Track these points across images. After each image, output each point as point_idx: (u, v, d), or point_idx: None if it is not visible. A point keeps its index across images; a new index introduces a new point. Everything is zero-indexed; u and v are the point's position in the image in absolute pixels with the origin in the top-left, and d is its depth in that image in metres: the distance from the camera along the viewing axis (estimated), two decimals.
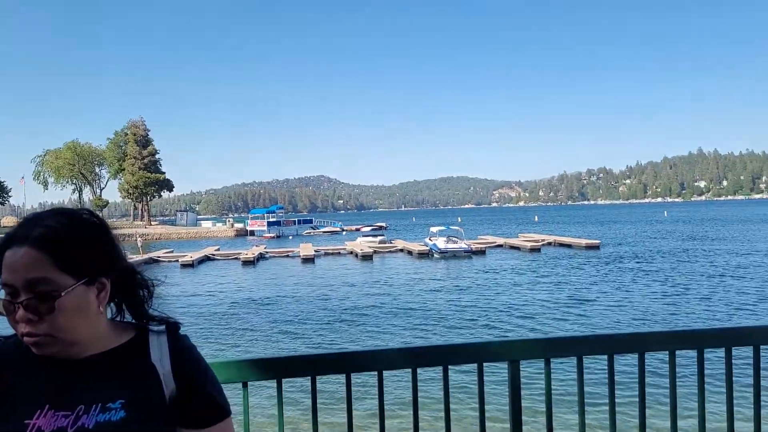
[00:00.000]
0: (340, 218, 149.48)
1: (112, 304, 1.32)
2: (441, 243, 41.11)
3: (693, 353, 2.44)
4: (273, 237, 72.26)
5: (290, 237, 71.50)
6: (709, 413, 2.45)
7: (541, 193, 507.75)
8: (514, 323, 17.68)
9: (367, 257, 40.14)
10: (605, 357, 2.38)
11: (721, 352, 2.46)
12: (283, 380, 2.18)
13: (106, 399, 1.19)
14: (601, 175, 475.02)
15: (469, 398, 8.15)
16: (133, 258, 39.63)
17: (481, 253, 41.68)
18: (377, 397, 2.27)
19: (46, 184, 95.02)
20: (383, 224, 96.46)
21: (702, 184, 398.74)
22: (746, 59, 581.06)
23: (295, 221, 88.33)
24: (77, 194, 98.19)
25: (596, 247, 42.79)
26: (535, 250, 42.44)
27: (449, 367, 2.29)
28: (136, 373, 1.24)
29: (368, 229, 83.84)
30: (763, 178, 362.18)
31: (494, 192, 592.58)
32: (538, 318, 18.26)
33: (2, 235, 1.21)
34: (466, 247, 41.04)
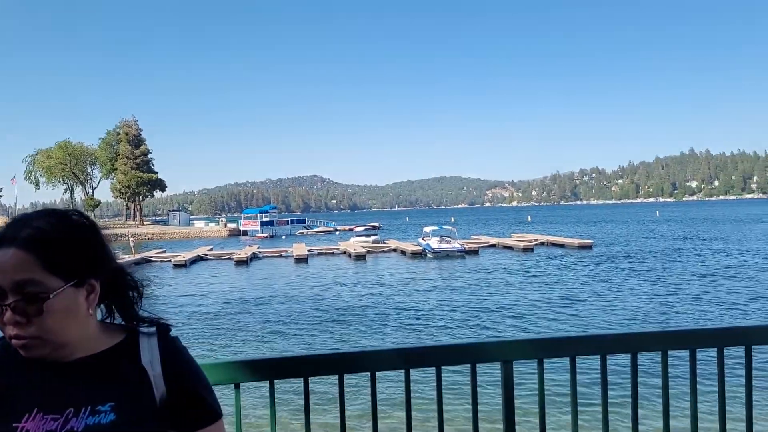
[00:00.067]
0: (334, 218, 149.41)
1: (101, 306, 1.30)
2: (434, 243, 41.15)
3: (685, 353, 2.44)
4: (266, 237, 72.15)
5: (283, 237, 71.40)
6: (702, 413, 2.45)
7: (533, 193, 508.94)
8: (507, 323, 17.71)
9: (360, 257, 40.13)
10: (598, 357, 2.38)
11: (713, 352, 2.46)
12: (276, 381, 2.17)
13: (96, 402, 1.18)
14: (594, 175, 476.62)
15: (462, 399, 8.15)
16: (126, 258, 39.50)
17: (474, 252, 41.75)
18: (370, 397, 2.26)
19: (37, 184, 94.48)
20: (376, 224, 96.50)
21: (694, 184, 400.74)
22: (739, 60, 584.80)
23: (288, 221, 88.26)
24: (69, 194, 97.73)
25: (589, 247, 42.94)
26: (528, 249, 42.54)
27: (442, 367, 2.29)
28: (126, 376, 1.23)
29: (361, 229, 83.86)
30: (755, 178, 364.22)
31: (487, 192, 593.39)
32: (531, 318, 18.29)
33: None
34: (460, 246, 41.09)
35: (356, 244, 47.79)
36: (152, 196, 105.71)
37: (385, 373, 2.29)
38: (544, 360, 2.36)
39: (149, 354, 1.27)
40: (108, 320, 1.33)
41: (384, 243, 49.74)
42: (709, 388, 2.61)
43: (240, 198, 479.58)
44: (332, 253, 45.54)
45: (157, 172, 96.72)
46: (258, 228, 77.02)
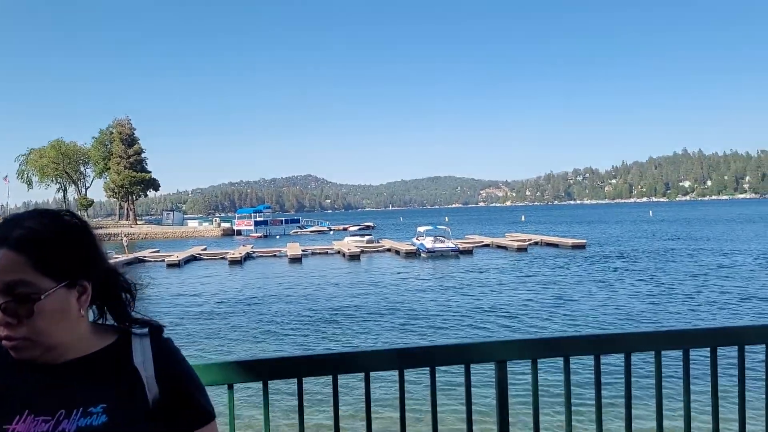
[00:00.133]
0: (328, 218, 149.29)
1: (94, 307, 1.29)
2: (428, 242, 41.18)
3: (678, 353, 2.45)
4: (260, 236, 72.04)
5: (277, 236, 71.29)
6: (695, 413, 2.46)
7: (527, 193, 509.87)
8: (501, 323, 17.74)
9: (354, 257, 40.13)
10: (592, 357, 2.39)
11: (706, 352, 2.47)
12: (269, 382, 2.17)
13: (88, 403, 1.17)
14: (587, 174, 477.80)
15: (456, 399, 8.16)
16: (119, 258, 39.41)
17: (468, 252, 41.80)
18: (364, 398, 2.26)
19: (30, 183, 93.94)
20: (371, 224, 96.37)
21: (687, 184, 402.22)
22: (732, 60, 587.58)
23: (282, 221, 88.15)
24: (62, 193, 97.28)
25: (582, 247, 43.07)
26: (521, 249, 42.64)
27: (436, 367, 2.29)
28: (118, 377, 1.22)
29: (356, 228, 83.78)
30: (747, 179, 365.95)
31: (481, 192, 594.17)
32: (525, 318, 18.33)
33: None
34: (454, 246, 41.15)
35: (350, 243, 47.78)
36: (146, 195, 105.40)
37: (380, 374, 2.28)
38: (538, 360, 2.37)
39: (142, 355, 1.26)
40: (100, 321, 1.32)
41: (378, 243, 49.75)
42: (702, 388, 2.62)
43: (234, 197, 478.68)
44: (326, 252, 45.52)
45: (150, 172, 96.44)
46: (252, 228, 76.91)
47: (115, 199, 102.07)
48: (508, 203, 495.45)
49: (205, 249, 48.52)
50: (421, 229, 45.78)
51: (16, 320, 1.11)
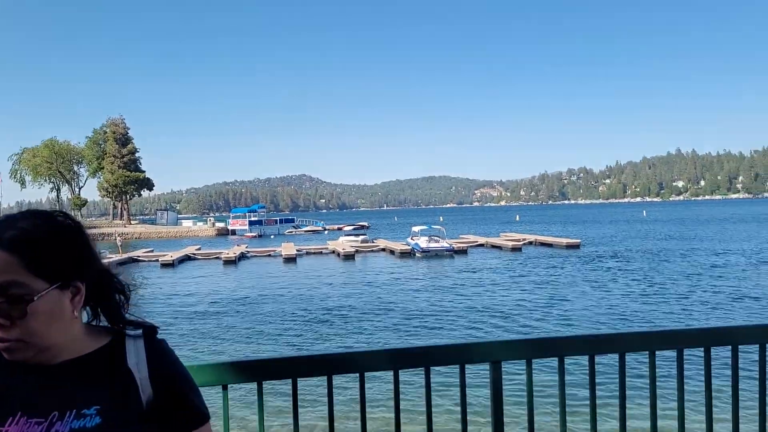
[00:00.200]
0: (322, 217, 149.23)
1: (87, 308, 1.29)
2: (423, 242, 41.21)
3: (673, 353, 2.45)
4: (254, 236, 71.96)
5: (272, 236, 71.22)
6: (689, 412, 2.47)
7: (522, 193, 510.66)
8: (496, 323, 17.77)
9: (349, 257, 40.11)
10: (586, 357, 2.39)
11: (700, 352, 2.48)
12: (264, 382, 2.16)
13: (81, 405, 1.16)
14: (582, 174, 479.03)
15: (451, 399, 8.16)
16: (112, 257, 39.27)
17: (462, 252, 41.85)
18: (359, 398, 2.26)
19: (23, 183, 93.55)
20: (365, 223, 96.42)
21: (680, 184, 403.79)
22: (726, 61, 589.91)
23: (276, 220, 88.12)
24: (55, 193, 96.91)
25: (576, 247, 43.17)
26: (516, 249, 42.70)
27: (431, 368, 2.29)
28: (112, 379, 1.21)
29: (350, 228, 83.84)
30: (740, 179, 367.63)
31: (476, 191, 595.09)
32: (520, 318, 18.36)
33: None
34: (448, 246, 41.18)
35: (345, 243, 47.76)
36: (140, 195, 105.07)
37: (374, 374, 2.28)
38: (533, 360, 2.37)
39: (135, 356, 1.25)
40: (94, 323, 1.31)
41: (373, 242, 49.76)
42: (696, 388, 2.63)
43: (228, 197, 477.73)
44: (321, 252, 45.50)
45: (144, 171, 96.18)
46: (246, 227, 76.83)
47: (108, 199, 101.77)
48: (503, 203, 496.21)
49: (199, 249, 48.40)
50: (415, 228, 45.79)
51: (9, 321, 1.11)
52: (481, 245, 47.57)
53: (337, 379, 2.23)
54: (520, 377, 2.43)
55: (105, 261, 1.32)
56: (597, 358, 2.40)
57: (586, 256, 37.14)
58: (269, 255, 43.97)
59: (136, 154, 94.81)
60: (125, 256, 42.98)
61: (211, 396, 1.67)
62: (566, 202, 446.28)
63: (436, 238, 43.07)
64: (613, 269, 29.75)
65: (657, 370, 2.42)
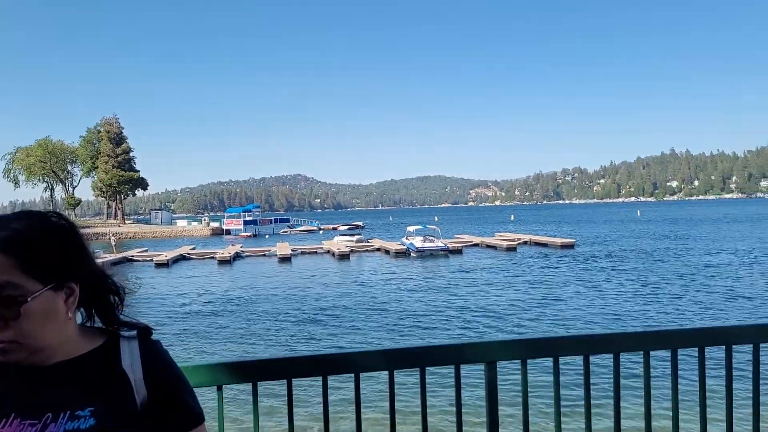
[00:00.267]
0: (317, 217, 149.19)
1: (81, 310, 1.28)
2: (418, 242, 41.21)
3: (667, 353, 2.46)
4: (249, 236, 71.79)
5: (267, 236, 71.07)
6: (683, 412, 2.47)
7: (517, 193, 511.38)
8: (491, 323, 17.78)
9: (344, 256, 40.09)
10: (581, 357, 2.39)
11: (694, 352, 2.49)
12: (259, 383, 2.16)
13: (75, 407, 1.16)
14: (576, 174, 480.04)
15: (446, 400, 8.16)
16: (107, 257, 39.14)
17: (457, 252, 41.87)
18: (354, 399, 2.26)
19: (16, 182, 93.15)
20: (360, 223, 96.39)
21: (674, 183, 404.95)
22: (720, 61, 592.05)
23: (271, 220, 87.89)
24: (49, 192, 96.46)
25: (571, 246, 43.25)
26: (511, 249, 42.75)
27: (426, 368, 2.29)
28: (106, 380, 1.21)
29: (345, 228, 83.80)
30: (734, 179, 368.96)
31: (471, 191, 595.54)
32: (514, 318, 18.38)
33: None
34: (443, 246, 41.19)
35: (340, 243, 47.70)
36: (134, 194, 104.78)
37: (369, 374, 2.28)
38: (528, 360, 2.37)
39: (130, 358, 1.25)
40: (88, 324, 1.31)
41: (368, 242, 49.71)
42: (691, 388, 2.64)
43: (223, 197, 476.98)
44: (316, 252, 45.44)
45: (138, 171, 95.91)
46: (241, 227, 76.65)
47: (103, 199, 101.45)
48: (498, 203, 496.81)
49: (194, 248, 48.28)
50: (410, 228, 45.79)
51: (3, 323, 1.10)
52: (476, 245, 47.60)
53: (331, 379, 2.22)
54: (515, 377, 2.43)
55: (99, 261, 1.32)
56: (591, 358, 2.40)
57: (580, 255, 37.22)
58: (264, 255, 43.90)
59: (131, 154, 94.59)
60: (119, 255, 42.85)
61: (205, 397, 1.67)
62: (561, 201, 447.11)
63: (431, 237, 43.09)
64: (607, 269, 29.82)
65: (651, 370, 2.43)
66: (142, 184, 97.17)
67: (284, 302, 22.34)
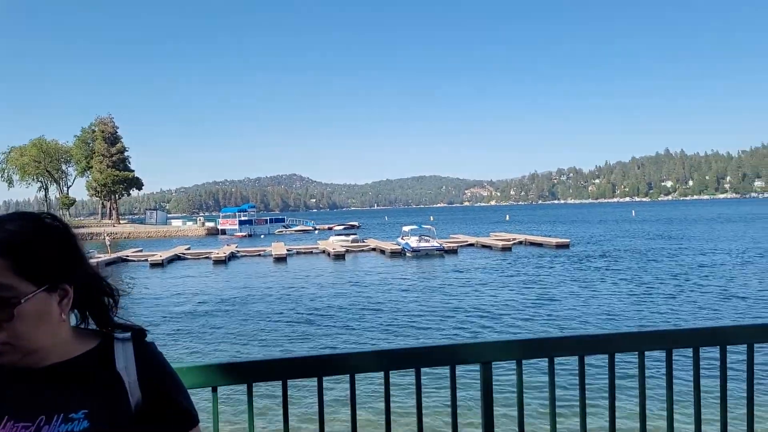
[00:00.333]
0: (313, 217, 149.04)
1: (75, 311, 1.27)
2: (413, 242, 41.23)
3: (662, 353, 2.46)
4: (245, 236, 71.74)
5: (262, 236, 71.04)
6: (677, 411, 2.48)
7: (512, 193, 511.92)
8: (486, 323, 17.80)
9: (339, 256, 40.07)
10: (576, 358, 2.40)
11: (689, 352, 2.49)
12: (254, 384, 2.15)
13: (69, 409, 1.15)
14: (571, 174, 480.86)
15: (441, 400, 8.16)
16: (101, 257, 39.03)
17: (453, 252, 41.90)
18: (349, 400, 2.25)
19: (10, 182, 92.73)
20: (356, 223, 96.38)
21: (669, 184, 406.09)
22: (714, 62, 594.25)
23: (267, 220, 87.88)
24: (43, 192, 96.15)
25: (566, 246, 43.34)
26: (506, 248, 42.81)
27: (422, 369, 2.29)
28: (100, 382, 1.20)
29: (341, 228, 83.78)
30: (728, 179, 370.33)
31: (466, 191, 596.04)
32: (510, 318, 18.41)
33: None
34: (439, 246, 41.22)
35: (335, 243, 47.71)
36: (129, 194, 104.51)
37: (364, 375, 2.28)
38: (523, 361, 2.37)
39: (124, 360, 1.24)
40: (82, 326, 1.30)
41: (363, 242, 49.73)
42: (685, 388, 2.64)
43: (218, 197, 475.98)
44: (311, 252, 45.41)
45: (133, 170, 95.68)
46: (236, 227, 76.62)
47: (97, 198, 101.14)
48: (493, 203, 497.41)
49: (189, 248, 48.17)
50: (406, 228, 45.80)
51: None
52: (472, 245, 47.65)
53: (326, 380, 2.22)
54: (510, 378, 2.44)
55: (93, 261, 1.31)
56: (587, 359, 2.40)
57: (575, 255, 37.30)
58: (259, 255, 43.85)
59: (125, 153, 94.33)
60: (114, 255, 42.70)
61: (200, 398, 1.67)
62: (556, 201, 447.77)
63: (426, 237, 43.12)
64: (602, 269, 29.89)
65: (646, 370, 2.43)
66: (137, 183, 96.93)
67: (279, 302, 22.32)
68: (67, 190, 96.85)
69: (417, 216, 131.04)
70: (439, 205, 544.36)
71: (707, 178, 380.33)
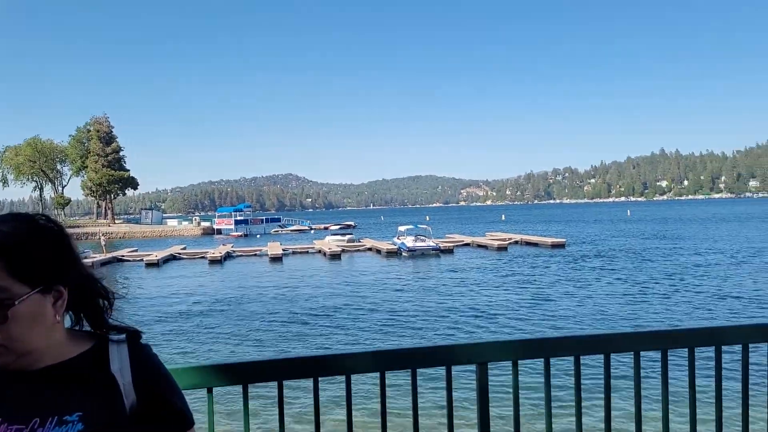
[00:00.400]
0: (309, 217, 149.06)
1: (70, 313, 1.27)
2: (409, 242, 41.25)
3: (657, 354, 2.47)
4: (240, 236, 71.68)
5: (258, 236, 70.98)
6: (673, 412, 2.48)
7: (508, 192, 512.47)
8: (482, 323, 17.82)
9: (335, 256, 40.07)
10: (572, 358, 2.40)
11: (684, 353, 2.49)
12: (249, 385, 2.15)
13: (63, 411, 1.14)
14: (567, 174, 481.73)
15: (437, 401, 8.17)
16: (96, 257, 38.93)
17: (449, 251, 41.95)
18: (345, 401, 2.25)
19: (5, 182, 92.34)
20: (352, 223, 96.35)
21: (664, 183, 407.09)
22: (709, 62, 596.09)
23: (262, 220, 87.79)
24: (38, 192, 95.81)
25: (562, 246, 43.43)
26: (502, 248, 42.88)
27: (417, 369, 2.28)
28: (94, 384, 1.20)
29: (337, 227, 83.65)
30: (723, 178, 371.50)
31: (462, 191, 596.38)
32: (506, 318, 18.43)
33: None
34: (435, 245, 41.25)
35: (331, 242, 47.71)
36: (124, 194, 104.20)
37: (360, 376, 2.28)
38: (519, 361, 2.37)
39: (119, 362, 1.24)
40: (76, 328, 1.29)
41: (359, 242, 49.75)
42: (681, 388, 2.65)
43: (214, 196, 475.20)
44: (307, 252, 45.40)
45: (128, 170, 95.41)
46: (232, 227, 76.53)
47: (92, 198, 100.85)
48: (489, 202, 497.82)
49: (184, 248, 48.11)
50: (402, 228, 45.83)
51: None
52: (467, 245, 47.70)
53: (321, 380, 2.22)
54: (506, 378, 2.43)
55: (88, 261, 1.30)
56: (582, 359, 2.40)
57: (571, 255, 37.38)
58: (255, 254, 43.81)
59: (121, 153, 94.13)
60: (109, 255, 42.61)
61: (195, 399, 1.66)
62: (552, 201, 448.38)
63: (422, 237, 43.14)
64: (597, 269, 29.97)
65: (642, 370, 2.44)
66: (132, 183, 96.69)
67: (275, 302, 22.30)
68: (62, 190, 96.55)
69: (413, 216, 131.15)
70: (434, 204, 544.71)
71: (702, 178, 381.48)
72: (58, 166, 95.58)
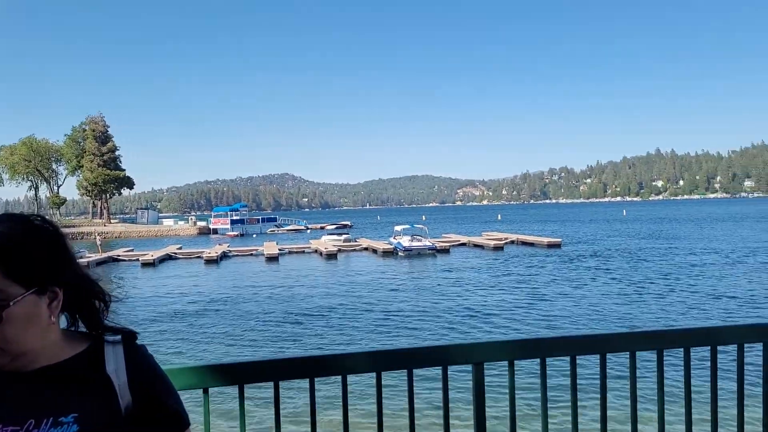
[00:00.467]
0: (305, 216, 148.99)
1: (65, 314, 1.26)
2: (405, 241, 41.24)
3: (653, 354, 2.47)
4: (236, 235, 71.58)
5: (254, 235, 70.89)
6: (668, 411, 2.49)
7: (504, 192, 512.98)
8: (478, 323, 17.82)
9: (331, 256, 40.03)
10: (568, 358, 2.40)
11: (680, 353, 2.50)
12: (245, 386, 2.14)
13: (59, 413, 1.14)
14: (563, 174, 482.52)
15: (433, 401, 8.17)
16: (92, 257, 38.81)
17: (445, 251, 41.96)
18: (341, 401, 2.25)
19: (0, 181, 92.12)
20: (348, 222, 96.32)
21: (659, 183, 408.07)
22: (705, 63, 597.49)
23: (259, 219, 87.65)
24: (33, 191, 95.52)
25: (558, 246, 43.47)
26: (498, 248, 42.90)
27: (413, 370, 2.28)
28: (90, 386, 1.19)
29: (333, 227, 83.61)
30: (718, 178, 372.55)
31: (458, 191, 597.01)
32: (502, 318, 18.44)
33: None
34: (431, 245, 41.25)
35: (328, 242, 47.69)
36: (120, 193, 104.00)
37: (356, 376, 2.27)
38: (515, 361, 2.37)
39: (114, 363, 1.23)
40: (72, 329, 1.29)
41: (355, 241, 49.73)
42: (675, 388, 2.65)
43: (210, 196, 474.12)
44: (303, 251, 45.35)
45: (124, 170, 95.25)
46: (228, 226, 76.43)
47: (88, 198, 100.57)
48: (485, 202, 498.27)
49: (180, 248, 47.99)
50: (398, 228, 45.83)
51: None
52: (464, 244, 47.72)
53: (317, 381, 2.21)
54: (502, 378, 2.44)
55: (84, 261, 1.30)
56: (578, 359, 2.41)
57: (566, 255, 37.42)
58: (251, 254, 43.74)
59: (116, 152, 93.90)
60: (105, 255, 42.48)
61: (191, 399, 1.66)
62: (548, 201, 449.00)
63: (418, 237, 43.15)
64: (593, 268, 30.00)
65: (637, 370, 2.44)
66: (128, 182, 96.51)
67: (271, 302, 22.27)
68: (58, 190, 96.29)
69: (409, 215, 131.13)
70: (431, 204, 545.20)
71: (698, 177, 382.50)
72: (54, 166, 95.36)
